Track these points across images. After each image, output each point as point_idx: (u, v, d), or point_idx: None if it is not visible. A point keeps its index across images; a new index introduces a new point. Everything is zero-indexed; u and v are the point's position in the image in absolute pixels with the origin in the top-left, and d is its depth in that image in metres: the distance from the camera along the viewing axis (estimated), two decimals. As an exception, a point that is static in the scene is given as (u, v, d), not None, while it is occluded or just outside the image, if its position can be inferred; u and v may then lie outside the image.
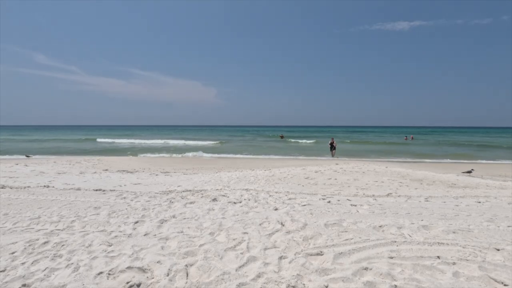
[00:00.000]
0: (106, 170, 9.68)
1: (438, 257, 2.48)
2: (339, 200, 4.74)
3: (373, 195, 5.25)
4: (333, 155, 16.19)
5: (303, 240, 2.89)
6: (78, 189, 5.75)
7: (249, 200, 4.72)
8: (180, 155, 17.68)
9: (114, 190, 5.65)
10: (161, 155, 17.95)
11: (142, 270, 2.29)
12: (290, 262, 2.40)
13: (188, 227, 3.30)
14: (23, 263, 2.41)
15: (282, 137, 41.83)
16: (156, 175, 8.48)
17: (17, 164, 10.36)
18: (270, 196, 5.06)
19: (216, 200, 4.67)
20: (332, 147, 16.17)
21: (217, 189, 5.68)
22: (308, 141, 32.37)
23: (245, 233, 3.08)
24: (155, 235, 3.07)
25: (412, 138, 38.57)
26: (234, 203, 4.50)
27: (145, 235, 3.08)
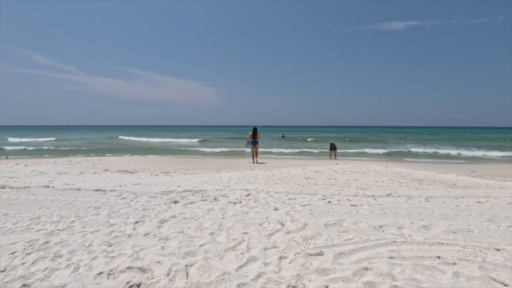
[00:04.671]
0: (106, 170, 9.68)
1: (438, 257, 2.48)
2: (339, 200, 4.74)
3: (373, 195, 5.25)
4: (333, 156, 16.11)
5: (303, 240, 2.89)
6: (78, 189, 5.76)
7: (249, 200, 4.72)
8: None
9: (114, 190, 5.65)
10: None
11: (142, 270, 2.29)
12: (290, 262, 2.40)
13: (188, 227, 3.30)
14: (23, 263, 2.41)
15: (283, 136, 42.26)
16: (156, 175, 8.48)
17: (17, 164, 10.36)
18: (270, 196, 5.06)
19: (216, 200, 4.67)
20: (333, 146, 16.12)
21: (217, 189, 5.68)
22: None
23: (245, 233, 3.08)
24: (155, 235, 3.07)
25: (400, 138, 39.20)
26: (234, 203, 4.50)
27: (145, 235, 3.08)
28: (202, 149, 23.09)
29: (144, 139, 37.19)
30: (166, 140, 35.55)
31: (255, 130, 11.97)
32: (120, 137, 42.26)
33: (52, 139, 35.22)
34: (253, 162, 11.94)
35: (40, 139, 34.20)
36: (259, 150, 13.93)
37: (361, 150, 20.50)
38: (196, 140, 34.81)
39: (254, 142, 12.05)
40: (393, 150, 21.53)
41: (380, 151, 20.36)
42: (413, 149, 21.67)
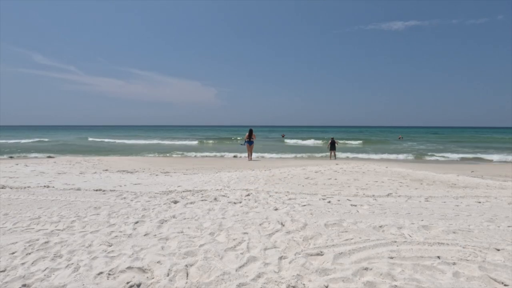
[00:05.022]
0: (106, 170, 9.68)
1: (438, 257, 2.48)
2: (339, 200, 4.74)
3: (373, 195, 5.25)
4: (333, 156, 16.05)
5: (303, 240, 2.89)
6: (78, 189, 5.76)
7: (249, 200, 4.72)
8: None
9: (114, 190, 5.65)
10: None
11: (142, 270, 2.29)
12: (290, 262, 2.40)
13: (188, 227, 3.30)
14: (23, 263, 2.41)
15: (283, 136, 42.60)
16: (156, 175, 8.48)
17: (17, 164, 10.36)
18: (270, 196, 5.06)
19: (216, 200, 4.68)
20: (333, 146, 16.02)
21: (217, 189, 5.68)
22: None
23: (245, 233, 3.08)
24: (155, 235, 3.07)
25: (400, 138, 38.75)
26: (234, 203, 4.50)
27: (145, 235, 3.08)
28: (190, 153, 18.91)
29: (118, 141, 32.38)
30: (151, 142, 30.81)
31: (251, 132, 13.78)
32: (90, 138, 36.77)
33: (30, 140, 31.03)
34: (249, 160, 13.80)
35: (11, 141, 29.98)
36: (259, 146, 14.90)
37: (385, 157, 17.53)
38: (191, 141, 30.94)
39: (250, 142, 13.79)
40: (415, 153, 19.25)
41: (401, 156, 17.65)
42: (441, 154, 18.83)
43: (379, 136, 46.65)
